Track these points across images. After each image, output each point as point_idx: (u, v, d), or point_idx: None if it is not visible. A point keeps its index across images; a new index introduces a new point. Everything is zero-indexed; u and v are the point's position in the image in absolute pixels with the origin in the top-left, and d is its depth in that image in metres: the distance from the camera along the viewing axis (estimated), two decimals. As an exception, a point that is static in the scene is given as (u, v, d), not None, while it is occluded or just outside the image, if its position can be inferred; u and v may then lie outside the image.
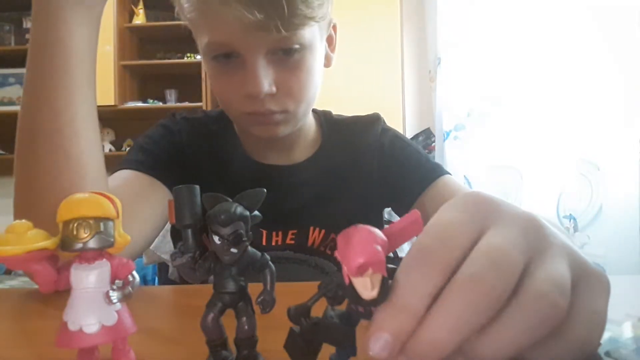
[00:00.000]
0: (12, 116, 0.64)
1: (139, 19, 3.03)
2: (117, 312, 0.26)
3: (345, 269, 0.20)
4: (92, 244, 0.25)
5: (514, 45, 2.35)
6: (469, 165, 2.43)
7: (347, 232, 0.21)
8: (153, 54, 3.15)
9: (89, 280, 0.26)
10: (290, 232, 0.72)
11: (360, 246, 0.20)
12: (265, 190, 0.25)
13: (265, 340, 0.27)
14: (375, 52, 2.72)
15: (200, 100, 2.92)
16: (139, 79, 3.21)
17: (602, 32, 2.16)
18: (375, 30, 2.72)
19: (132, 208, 0.59)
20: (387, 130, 0.79)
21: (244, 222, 0.24)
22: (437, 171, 0.73)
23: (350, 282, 0.20)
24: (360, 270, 0.19)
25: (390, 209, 0.83)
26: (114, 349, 0.27)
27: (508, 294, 0.21)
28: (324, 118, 0.79)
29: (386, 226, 0.23)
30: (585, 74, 2.20)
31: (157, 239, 0.79)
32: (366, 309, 0.21)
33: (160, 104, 3.07)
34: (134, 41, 3.17)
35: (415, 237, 0.23)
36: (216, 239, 0.24)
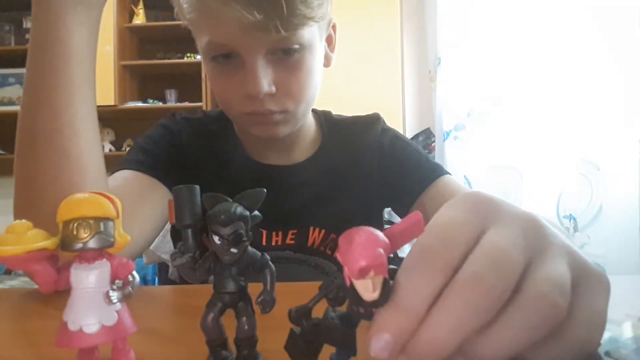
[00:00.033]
0: (12, 116, 0.65)
1: (139, 19, 3.03)
2: (117, 312, 0.26)
3: (346, 270, 0.20)
4: (92, 244, 0.25)
5: (514, 45, 2.34)
6: (469, 165, 2.43)
7: (349, 234, 0.20)
8: (153, 54, 3.15)
9: (89, 280, 0.26)
10: (290, 232, 0.72)
11: (362, 249, 0.20)
12: (265, 190, 0.25)
13: (265, 340, 0.27)
14: (375, 52, 2.72)
15: (200, 100, 2.92)
16: (139, 79, 3.21)
17: (602, 32, 2.16)
18: (375, 30, 2.72)
19: (132, 208, 0.59)
20: (387, 130, 0.79)
21: (244, 222, 0.24)
22: (437, 171, 0.73)
23: (352, 284, 0.20)
24: (362, 273, 0.19)
25: (390, 209, 0.83)
26: (114, 349, 0.27)
27: (508, 294, 0.21)
28: (323, 118, 0.79)
29: (387, 227, 0.23)
30: (585, 74, 2.20)
31: (157, 239, 0.79)
32: (367, 310, 0.21)
33: (160, 104, 3.07)
34: (134, 41, 3.17)
35: (416, 238, 0.23)
36: (216, 239, 0.24)
